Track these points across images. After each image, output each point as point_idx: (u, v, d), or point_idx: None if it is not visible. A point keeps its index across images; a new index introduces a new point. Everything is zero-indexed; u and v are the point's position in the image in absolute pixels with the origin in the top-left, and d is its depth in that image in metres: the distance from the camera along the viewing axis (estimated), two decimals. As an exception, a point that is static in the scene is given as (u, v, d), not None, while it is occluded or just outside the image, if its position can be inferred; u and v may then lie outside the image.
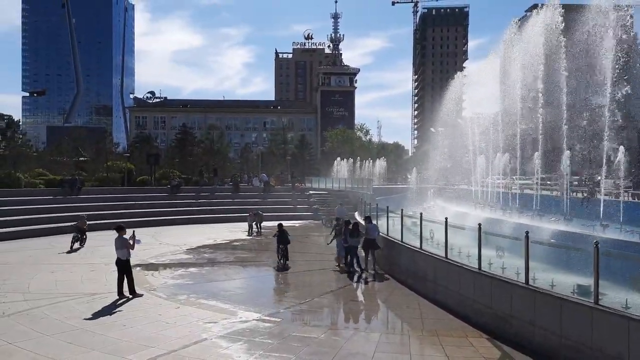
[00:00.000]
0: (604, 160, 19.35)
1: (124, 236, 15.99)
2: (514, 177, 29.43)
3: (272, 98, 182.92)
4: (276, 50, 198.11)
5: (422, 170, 54.99)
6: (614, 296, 9.99)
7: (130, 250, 16.03)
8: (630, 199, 21.67)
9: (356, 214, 31.46)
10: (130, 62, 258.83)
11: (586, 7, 22.33)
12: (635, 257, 11.72)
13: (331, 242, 23.23)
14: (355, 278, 19.69)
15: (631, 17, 21.84)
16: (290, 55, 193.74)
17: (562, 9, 24.74)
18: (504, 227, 18.78)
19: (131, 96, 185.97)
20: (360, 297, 17.65)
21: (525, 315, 11.14)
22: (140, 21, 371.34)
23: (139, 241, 16.31)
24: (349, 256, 20.89)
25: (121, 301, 15.13)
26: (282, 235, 22.79)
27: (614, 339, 8.90)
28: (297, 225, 39.05)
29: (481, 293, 12.89)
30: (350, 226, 21.04)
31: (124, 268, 15.85)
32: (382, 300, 17.07)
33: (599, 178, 21.37)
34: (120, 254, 15.82)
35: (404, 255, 18.30)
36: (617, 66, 20.06)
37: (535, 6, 29.93)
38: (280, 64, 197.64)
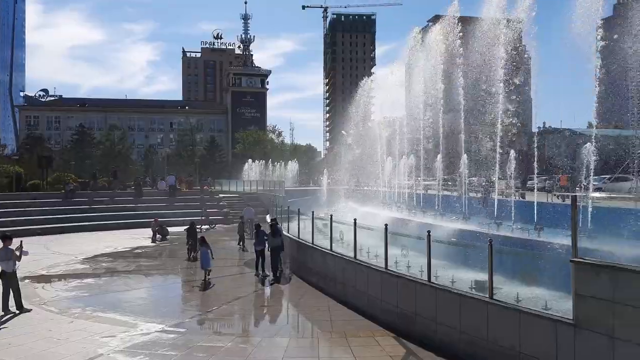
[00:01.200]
0: (497, 163, 20.80)
1: (10, 246, 14.57)
2: (418, 179, 30.71)
3: (180, 98, 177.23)
4: (183, 49, 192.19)
5: (334, 172, 55.87)
6: (508, 290, 10.59)
7: (17, 262, 14.63)
8: (520, 198, 23.38)
9: (267, 216, 31.24)
10: (20, 57, 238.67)
11: (480, 20, 23.88)
12: (524, 253, 12.56)
13: (240, 245, 22.85)
14: (267, 282, 19.46)
15: (521, 30, 23.55)
16: (198, 55, 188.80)
17: (459, 20, 26.29)
18: (410, 227, 19.47)
19: (21, 94, 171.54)
20: (271, 302, 17.44)
21: (429, 313, 11.53)
22: (32, 13, 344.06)
23: (26, 252, 14.91)
24: (260, 259, 20.65)
25: (6, 317, 13.77)
26: (191, 228, 24.60)
27: (507, 331, 9.42)
28: (205, 229, 37.99)
29: (388, 292, 13.16)
30: (270, 226, 20.90)
31: (9, 281, 14.44)
32: (293, 304, 16.98)
33: (493, 179, 22.83)
34: (5, 265, 14.39)
35: (315, 258, 18.36)
36: (508, 76, 21.59)
37: (437, 17, 31.66)
38: (188, 62, 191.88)
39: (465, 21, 27.73)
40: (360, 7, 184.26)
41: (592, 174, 17.81)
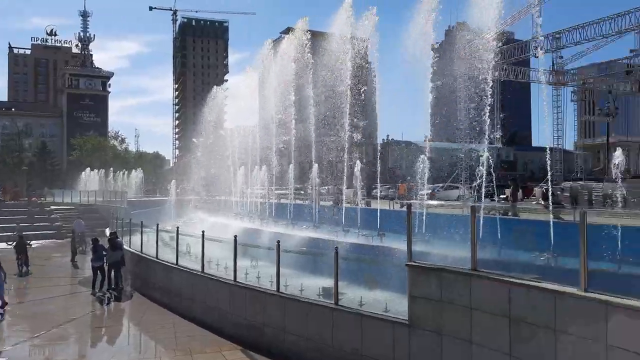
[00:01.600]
0: (345, 172, 21.84)
1: None
2: (271, 188, 30.92)
3: (5, 98, 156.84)
4: (10, 44, 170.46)
5: (184, 182, 53.85)
6: (353, 295, 11.02)
7: None
8: (366, 206, 24.74)
9: (107, 230, 28.94)
10: None
11: (329, 35, 24.96)
12: (368, 259, 13.22)
13: (74, 261, 20.84)
14: (106, 300, 17.92)
15: (367, 47, 25.03)
16: (28, 51, 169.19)
17: (310, 34, 27.18)
18: (261, 237, 19.40)
19: None
20: (110, 322, 16.07)
21: (278, 322, 11.52)
22: None
23: None
24: (98, 276, 19.00)
25: None
26: (19, 242, 22.97)
27: (351, 335, 9.76)
28: (35, 245, 33.92)
29: (237, 305, 12.91)
30: (108, 240, 19.33)
31: None
32: (134, 323, 15.83)
33: (342, 188, 23.87)
34: None
35: (160, 273, 17.35)
36: (354, 90, 22.82)
37: (289, 29, 32.40)
38: (16, 60, 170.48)
39: (316, 35, 28.75)
40: (212, 14, 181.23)
41: (426, 182, 19.47)
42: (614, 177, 18.03)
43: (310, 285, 11.82)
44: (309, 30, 27.39)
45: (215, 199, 38.08)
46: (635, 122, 75.11)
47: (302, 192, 33.37)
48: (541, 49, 40.04)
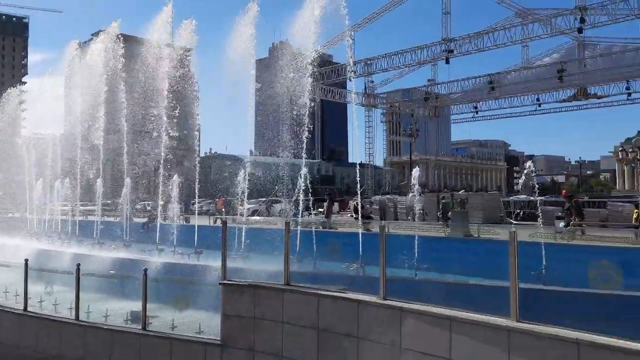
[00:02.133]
0: (160, 187, 20.75)
1: None
2: (76, 203, 27.96)
3: None
4: None
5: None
6: (165, 317, 10.39)
7: None
8: (184, 222, 23.82)
9: None
10: None
11: (145, 41, 23.65)
12: (181, 279, 12.66)
13: None
14: None
15: (188, 57, 24.26)
16: None
17: (125, 39, 25.40)
18: (62, 259, 17.37)
19: None
20: None
21: (77, 353, 10.31)
22: None
23: None
24: None
25: None
26: None
27: (161, 361, 9.14)
28: None
29: (28, 336, 11.29)
30: None
31: None
32: None
33: (160, 203, 22.61)
34: None
35: None
36: (174, 100, 21.90)
37: (101, 32, 29.89)
38: None
39: (131, 40, 27.01)
40: (10, 7, 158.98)
41: (246, 197, 19.45)
42: (412, 192, 20.14)
43: (118, 310, 10.88)
44: (123, 34, 25.61)
45: (7, 216, 33.14)
46: (432, 142, 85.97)
47: (113, 208, 30.86)
48: (354, 73, 43.46)
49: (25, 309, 11.35)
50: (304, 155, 17.45)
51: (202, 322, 9.72)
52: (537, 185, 18.01)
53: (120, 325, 10.02)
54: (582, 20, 31.59)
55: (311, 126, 19.31)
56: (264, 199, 38.07)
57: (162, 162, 20.48)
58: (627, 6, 30.98)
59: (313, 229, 16.36)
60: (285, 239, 8.47)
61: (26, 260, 11.64)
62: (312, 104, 19.42)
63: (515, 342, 5.37)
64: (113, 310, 10.71)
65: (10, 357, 11.39)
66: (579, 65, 44.82)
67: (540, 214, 17.33)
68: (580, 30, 33.77)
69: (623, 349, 4.71)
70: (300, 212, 17.68)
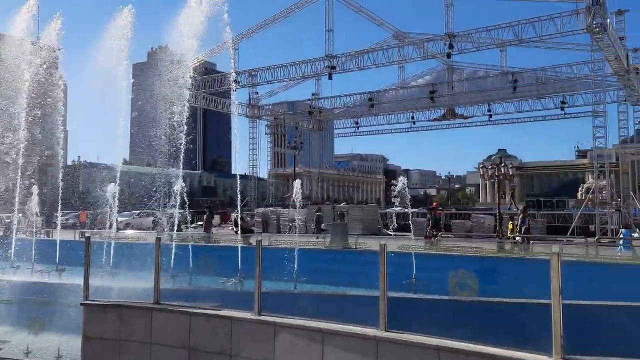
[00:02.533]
0: (17, 198, 18.73)
1: None
2: None
3: None
4: None
5: None
6: (18, 342, 9.45)
7: None
8: (45, 237, 21.78)
9: None
10: None
11: (8, 37, 21.41)
12: (35, 300, 11.55)
13: None
14: None
15: (58, 57, 22.34)
16: None
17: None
18: None
19: None
20: None
21: None
22: None
23: None
24: None
25: None
26: None
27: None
28: None
29: None
30: None
31: None
32: None
33: (19, 215, 20.43)
34: None
35: None
36: (37, 103, 19.98)
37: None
38: None
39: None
40: None
41: (116, 209, 18.25)
42: (294, 204, 20.35)
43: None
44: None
45: None
46: (316, 155, 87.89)
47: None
48: (238, 83, 43.13)
49: None
50: (181, 166, 16.83)
51: (61, 346, 8.94)
52: (409, 198, 19.08)
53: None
54: (451, 46, 34.35)
55: (191, 136, 18.71)
56: (137, 211, 36.18)
57: (19, 168, 18.50)
58: (488, 36, 34.32)
59: (190, 244, 15.80)
60: (156, 254, 8.03)
61: None
62: (194, 113, 18.83)
63: (383, 351, 5.54)
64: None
65: None
66: (448, 87, 48.72)
67: (412, 225, 18.39)
68: (448, 55, 36.73)
69: (479, 353, 5.05)
70: (177, 225, 16.97)
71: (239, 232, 17.62)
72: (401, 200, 19.09)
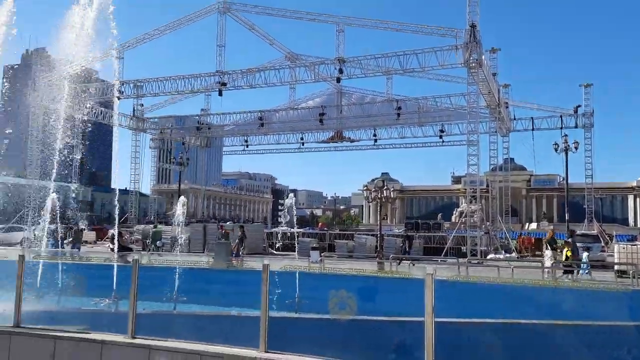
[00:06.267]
0: None
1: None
2: None
3: None
4: None
5: None
6: None
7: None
8: None
9: None
10: None
11: None
12: None
13: None
14: None
15: None
16: None
17: None
18: None
19: None
20: None
21: None
22: None
23: None
24: None
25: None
26: None
27: None
28: None
29: None
30: None
31: None
32: None
33: None
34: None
35: None
36: None
37: None
38: None
39: None
40: None
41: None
42: (175, 222, 19.64)
43: None
44: None
45: None
46: (203, 172, 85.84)
47: None
48: (122, 94, 41.06)
49: None
50: (53, 177, 15.59)
51: None
52: (296, 216, 19.34)
53: None
54: (340, 71, 35.67)
55: (69, 147, 17.42)
56: (2, 225, 32.86)
57: None
58: (376, 63, 36.17)
59: (60, 261, 14.57)
60: (19, 273, 7.35)
61: None
62: (73, 123, 17.57)
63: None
64: None
65: None
66: (337, 110, 50.41)
67: (297, 245, 18.62)
68: (338, 80, 38.09)
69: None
70: (46, 241, 15.63)
71: (115, 249, 16.60)
72: (289, 219, 19.31)
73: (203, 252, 24.85)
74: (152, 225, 36.68)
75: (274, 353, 5.60)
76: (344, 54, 36.49)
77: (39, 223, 16.10)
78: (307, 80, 39.17)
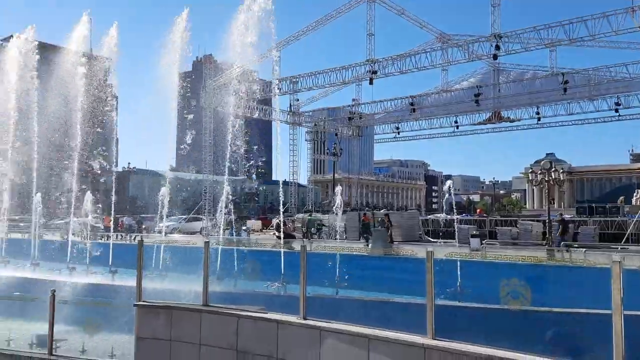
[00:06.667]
0: (73, 203, 19.62)
1: None
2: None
3: None
4: None
5: None
6: (75, 341, 9.85)
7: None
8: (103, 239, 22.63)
9: None
10: None
11: (62, 49, 22.47)
12: (93, 301, 12.01)
13: None
14: None
15: (107, 67, 23.28)
16: None
17: (39, 46, 24.01)
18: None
19: None
20: None
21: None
22: None
23: None
24: None
25: None
26: None
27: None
28: None
29: None
30: None
31: None
32: None
33: (71, 220, 21.34)
34: None
35: None
36: (91, 113, 20.88)
37: (12, 37, 27.97)
38: None
39: (47, 48, 25.64)
40: None
41: (165, 214, 18.80)
42: (334, 211, 20.36)
43: (23, 334, 10.17)
44: (38, 42, 24.19)
45: None
46: (355, 161, 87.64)
47: (22, 224, 28.76)
48: (280, 91, 43.61)
49: None
50: (227, 172, 17.20)
51: (114, 345, 9.29)
52: (453, 202, 18.81)
53: (25, 350, 9.32)
54: (497, 47, 33.61)
55: (235, 143, 19.05)
56: (184, 216, 37.09)
57: (75, 175, 19.38)
58: (537, 36, 33.39)
59: (235, 248, 16.12)
60: (205, 258, 8.25)
61: None
62: (237, 121, 19.19)
63: (431, 359, 5.51)
64: (18, 334, 10.02)
65: None
66: (494, 89, 47.62)
67: (456, 232, 18.11)
68: (495, 57, 35.91)
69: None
70: (222, 230, 17.35)
71: (281, 237, 17.81)
72: (448, 204, 18.72)
73: (358, 240, 25.44)
74: (306, 214, 38.45)
75: (443, 340, 5.54)
76: (500, 29, 34.31)
77: (215, 214, 17.84)
78: (460, 60, 37.68)
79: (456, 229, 19.05)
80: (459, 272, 11.91)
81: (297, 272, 8.17)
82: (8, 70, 23.90)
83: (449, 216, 25.36)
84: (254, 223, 43.05)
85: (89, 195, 19.74)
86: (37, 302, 11.45)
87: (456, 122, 52.52)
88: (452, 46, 38.29)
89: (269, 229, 38.33)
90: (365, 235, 25.11)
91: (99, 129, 22.21)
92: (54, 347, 8.95)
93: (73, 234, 20.78)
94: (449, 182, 18.68)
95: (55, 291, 9.27)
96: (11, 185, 23.46)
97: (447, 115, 52.58)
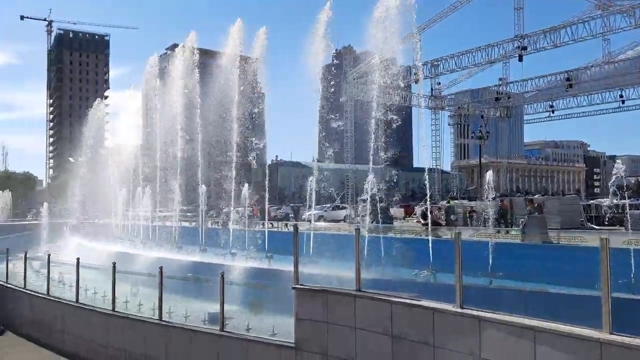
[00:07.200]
0: (233, 194, 21.44)
1: None
2: (155, 210, 29.42)
3: None
4: None
5: (59, 204, 49.54)
6: (240, 319, 10.71)
7: None
8: (261, 228, 24.34)
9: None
10: None
11: (217, 54, 24.54)
12: (254, 283, 12.98)
13: None
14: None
15: (257, 67, 24.90)
16: None
17: (198, 51, 26.55)
18: (143, 262, 18.29)
19: None
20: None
21: (159, 352, 10.82)
22: None
23: None
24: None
25: None
26: None
27: (238, 363, 9.40)
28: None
29: (115, 336, 11.99)
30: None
31: None
32: (-6, 364, 14.04)
33: (231, 210, 23.34)
34: None
35: (28, 304, 15.70)
36: (245, 110, 22.57)
37: (175, 46, 31.37)
38: None
39: (204, 53, 28.17)
40: (92, 26, 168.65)
41: (313, 203, 19.65)
42: (486, 197, 19.49)
43: (196, 311, 11.37)
44: (196, 48, 26.75)
45: (94, 222, 35.45)
46: (503, 144, 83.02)
47: (189, 214, 32.17)
48: (421, 75, 42.78)
49: (113, 309, 12.05)
50: (371, 162, 17.36)
51: (275, 326, 9.91)
52: (623, 187, 16.84)
53: (200, 326, 10.41)
54: (669, 9, 29.44)
55: (376, 132, 19.06)
56: (328, 204, 38.28)
57: (233, 169, 21.13)
58: None
59: (380, 235, 16.25)
60: (356, 244, 8.46)
61: (114, 264, 12.35)
62: (377, 109, 19.20)
63: (609, 356, 5.06)
64: (192, 311, 11.19)
65: (100, 355, 12.13)
66: (666, 58, 41.76)
67: (628, 219, 16.25)
68: (666, 20, 31.48)
69: None
70: (369, 217, 17.58)
71: (429, 224, 17.54)
72: (615, 188, 16.76)
73: (510, 227, 24.05)
74: (445, 201, 37.36)
75: (623, 335, 5.05)
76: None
77: (358, 202, 18.08)
78: (625, 27, 33.54)
79: (627, 214, 17.06)
80: (632, 262, 10.69)
81: (446, 261, 7.98)
82: (174, 78, 26.85)
83: (615, 200, 22.80)
84: (397, 211, 43.02)
85: (246, 188, 21.38)
86: (203, 284, 12.75)
87: (621, 95, 47.04)
88: (615, 13, 34.20)
89: (413, 216, 38.04)
90: (502, 222, 23.81)
91: (251, 125, 23.84)
92: (224, 324, 9.87)
93: (233, 223, 22.69)
94: (618, 162, 16.68)
95: (224, 273, 10.21)
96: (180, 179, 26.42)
97: (610, 89, 47.25)
